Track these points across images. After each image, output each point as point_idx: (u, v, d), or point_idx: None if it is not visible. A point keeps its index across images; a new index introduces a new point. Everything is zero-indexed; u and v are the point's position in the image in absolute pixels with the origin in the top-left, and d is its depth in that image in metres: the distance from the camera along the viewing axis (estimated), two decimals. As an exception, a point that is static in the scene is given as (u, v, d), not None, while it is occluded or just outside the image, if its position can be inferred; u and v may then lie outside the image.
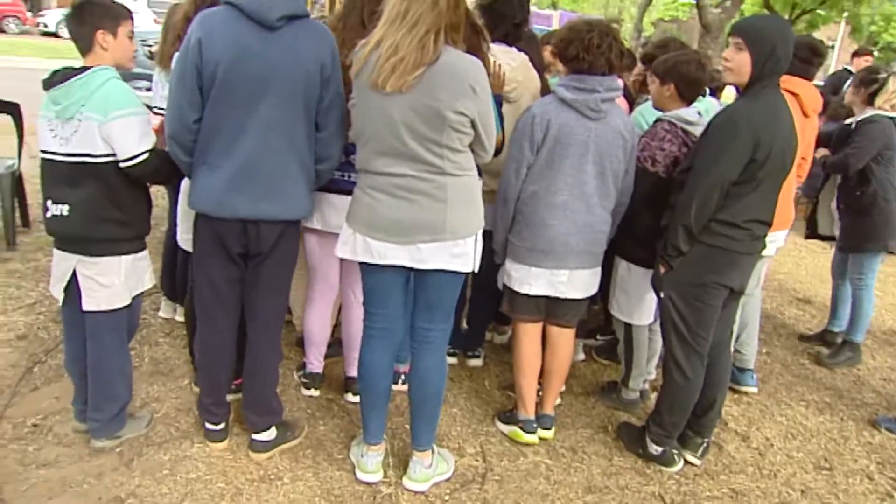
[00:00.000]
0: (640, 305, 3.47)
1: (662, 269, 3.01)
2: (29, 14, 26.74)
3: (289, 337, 3.85)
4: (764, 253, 3.14)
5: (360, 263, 2.68)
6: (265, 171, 2.59)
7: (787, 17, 18.59)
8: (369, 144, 2.54)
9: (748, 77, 2.80)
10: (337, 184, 3.03)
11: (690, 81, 3.28)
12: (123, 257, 2.77)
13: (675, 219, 2.89)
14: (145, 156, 2.63)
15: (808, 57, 3.67)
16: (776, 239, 3.66)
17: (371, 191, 2.58)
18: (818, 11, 18.59)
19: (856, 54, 8.10)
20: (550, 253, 3.06)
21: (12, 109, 5.01)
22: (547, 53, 4.26)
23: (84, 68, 2.59)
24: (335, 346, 3.70)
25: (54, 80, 2.59)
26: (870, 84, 4.28)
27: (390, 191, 2.54)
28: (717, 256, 2.91)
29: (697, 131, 3.16)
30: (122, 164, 2.62)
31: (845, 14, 20.37)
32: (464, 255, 2.61)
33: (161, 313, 4.18)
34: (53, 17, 26.36)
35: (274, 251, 2.72)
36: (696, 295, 2.96)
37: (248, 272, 2.78)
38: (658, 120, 3.34)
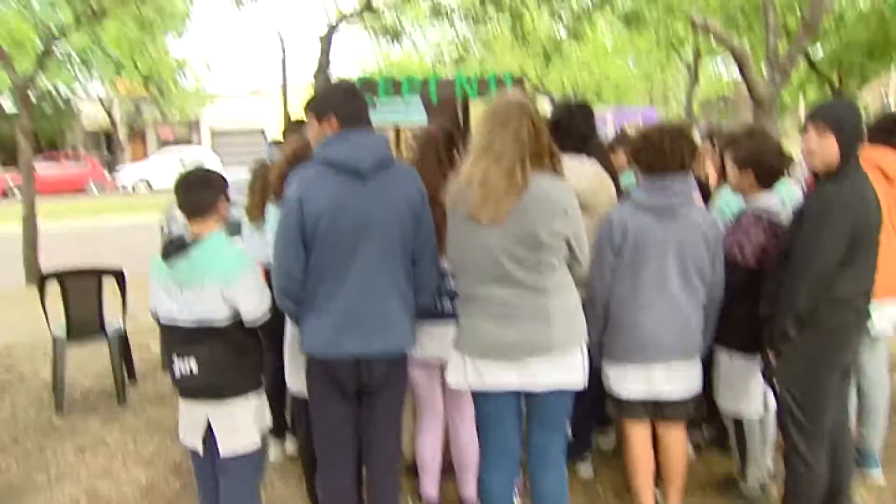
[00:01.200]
0: (746, 397, 3.41)
1: (773, 358, 2.99)
2: (108, 176, 28.68)
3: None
4: (880, 334, 3.09)
5: (473, 393, 2.76)
6: (370, 310, 2.74)
7: (834, 75, 18.54)
8: (470, 273, 2.67)
9: (836, 162, 2.87)
10: (431, 313, 3.14)
11: (769, 170, 3.36)
12: (251, 396, 2.90)
13: (783, 307, 2.90)
14: (269, 314, 2.81)
15: (891, 126, 3.72)
16: (892, 314, 3.60)
17: (476, 316, 2.68)
18: (867, 65, 18.45)
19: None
20: (642, 349, 3.09)
21: (117, 275, 5.36)
22: (619, 155, 4.46)
23: (197, 237, 2.78)
24: (445, 469, 3.72)
25: (171, 251, 2.78)
26: None
27: (494, 314, 2.64)
28: (829, 338, 2.91)
29: (783, 218, 3.21)
30: (247, 323, 2.79)
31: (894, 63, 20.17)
32: (572, 369, 2.68)
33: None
34: (128, 174, 28.19)
35: (386, 385, 2.84)
36: (812, 380, 2.94)
37: (363, 408, 2.88)
38: (742, 213, 3.40)
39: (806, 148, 2.95)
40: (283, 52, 12.18)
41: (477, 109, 5.31)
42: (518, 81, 5.48)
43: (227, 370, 2.81)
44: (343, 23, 8.82)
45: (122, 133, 31.27)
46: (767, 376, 3.07)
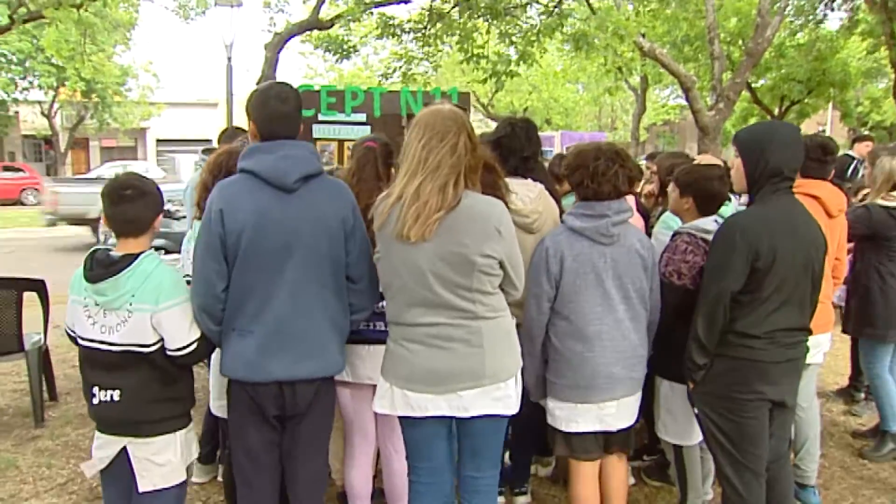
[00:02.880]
0: (687, 425, 3.34)
1: (691, 385, 2.97)
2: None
3: (329, 491, 3.72)
4: (811, 361, 3.06)
5: (400, 417, 2.62)
6: (297, 331, 2.58)
7: (776, 110, 19.07)
8: (398, 296, 2.54)
9: (745, 183, 2.88)
10: (362, 334, 3.01)
11: (710, 197, 3.31)
12: (178, 433, 2.70)
13: (690, 335, 2.89)
14: (195, 345, 2.61)
15: (820, 156, 3.73)
16: (819, 343, 3.57)
17: (405, 342, 2.55)
18: (806, 101, 19.05)
19: (857, 140, 8.32)
20: (594, 387, 2.97)
21: (38, 286, 5.07)
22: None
23: (127, 256, 2.54)
24: (377, 496, 3.57)
25: (97, 271, 2.53)
26: None
27: (425, 341, 2.51)
28: (742, 369, 2.85)
29: None
30: (170, 353, 2.59)
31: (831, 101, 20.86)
32: (505, 398, 2.56)
33: (194, 479, 4.07)
34: (69, 185, 27.32)
35: (311, 410, 2.68)
36: (728, 408, 2.89)
37: (286, 434, 2.72)
38: (676, 233, 3.35)
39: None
40: (229, 60, 11.90)
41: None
42: (464, 96, 5.38)
43: (153, 401, 2.61)
44: (292, 37, 8.66)
45: (63, 140, 30.33)
46: (689, 398, 3.03)
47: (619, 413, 3.03)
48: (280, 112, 2.63)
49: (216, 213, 2.52)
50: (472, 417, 2.54)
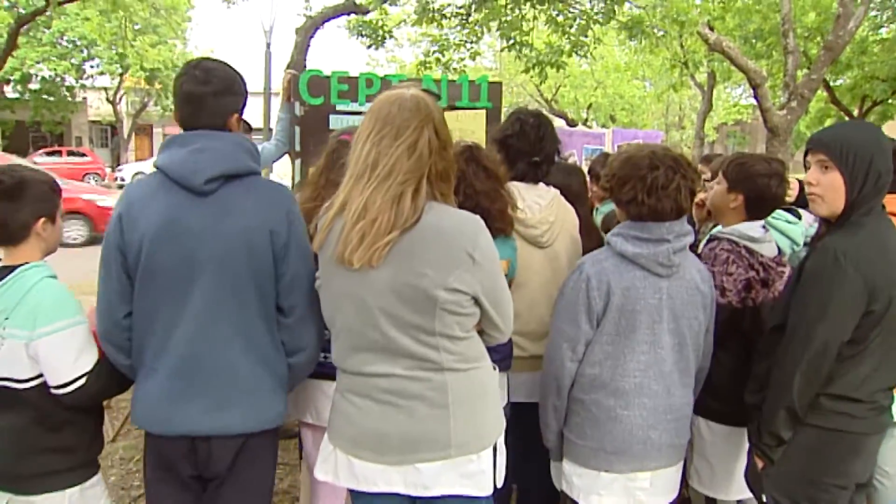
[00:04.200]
0: (726, 475, 2.72)
1: (760, 464, 2.30)
2: (108, 170, 28.28)
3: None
4: None
5: (349, 490, 2.05)
6: (208, 371, 2.05)
7: (856, 111, 17.83)
8: (342, 336, 1.96)
9: (843, 203, 2.16)
10: (326, 367, 2.43)
11: (765, 198, 2.69)
12: (68, 491, 2.21)
13: (772, 398, 2.21)
14: (82, 381, 2.11)
15: None
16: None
17: (350, 395, 1.98)
18: (890, 101, 17.71)
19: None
20: (626, 453, 2.37)
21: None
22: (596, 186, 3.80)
23: (4, 269, 2.10)
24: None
25: None
26: None
27: (374, 395, 1.93)
28: (835, 443, 2.20)
29: (764, 250, 2.62)
30: (53, 391, 2.10)
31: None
32: (478, 475, 1.95)
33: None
34: (130, 170, 27.86)
35: (233, 473, 2.13)
36: (812, 496, 2.23)
37: (206, 499, 2.18)
38: (714, 238, 2.73)
39: (807, 188, 2.24)
40: (268, 46, 11.53)
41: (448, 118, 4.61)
42: (495, 86, 4.77)
43: (34, 451, 2.13)
44: (326, 21, 8.22)
45: (126, 126, 30.83)
46: (751, 484, 2.37)
47: (655, 488, 2.43)
48: (196, 94, 2.08)
49: (115, 220, 2.02)
50: (435, 497, 1.95)
